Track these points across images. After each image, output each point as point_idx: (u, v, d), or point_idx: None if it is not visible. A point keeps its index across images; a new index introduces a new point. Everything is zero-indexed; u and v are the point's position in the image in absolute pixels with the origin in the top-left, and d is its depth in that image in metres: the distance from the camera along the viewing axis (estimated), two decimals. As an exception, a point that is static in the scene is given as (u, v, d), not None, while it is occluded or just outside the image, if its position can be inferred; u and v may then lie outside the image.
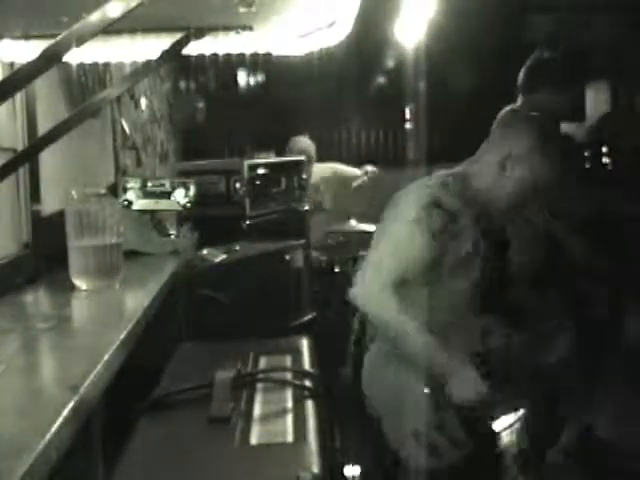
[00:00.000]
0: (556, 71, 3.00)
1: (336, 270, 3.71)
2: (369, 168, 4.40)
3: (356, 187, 4.37)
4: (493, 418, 1.87)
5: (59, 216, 1.56)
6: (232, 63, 4.77)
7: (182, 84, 4.80)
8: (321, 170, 4.44)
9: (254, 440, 1.06)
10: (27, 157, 1.52)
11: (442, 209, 1.81)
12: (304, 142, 4.32)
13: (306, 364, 1.37)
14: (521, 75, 3.07)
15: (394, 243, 1.81)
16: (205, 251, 2.37)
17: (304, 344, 1.50)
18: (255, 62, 4.75)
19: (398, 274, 1.77)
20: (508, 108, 3.10)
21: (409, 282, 1.79)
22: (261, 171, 3.21)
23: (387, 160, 5.42)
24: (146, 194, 2.12)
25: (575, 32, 4.80)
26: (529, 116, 2.09)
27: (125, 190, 2.11)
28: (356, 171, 4.45)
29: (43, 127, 1.67)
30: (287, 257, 2.60)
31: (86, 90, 2.12)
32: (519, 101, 3.08)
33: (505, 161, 1.84)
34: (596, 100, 4.68)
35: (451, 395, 1.72)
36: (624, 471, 2.10)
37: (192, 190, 2.14)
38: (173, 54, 1.43)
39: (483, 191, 1.88)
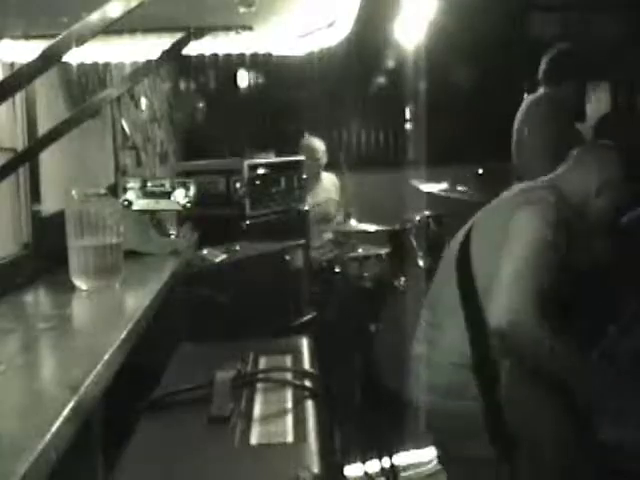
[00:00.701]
0: (581, 63, 3.01)
1: (336, 270, 3.71)
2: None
3: None
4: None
5: (59, 216, 1.56)
6: (232, 63, 4.78)
7: (182, 84, 4.80)
8: (328, 181, 4.46)
9: (254, 440, 1.06)
10: (27, 157, 1.52)
11: (565, 225, 1.79)
12: (318, 144, 4.34)
13: (306, 364, 1.37)
14: (543, 66, 3.08)
15: (532, 264, 1.71)
16: (205, 251, 2.37)
17: (304, 344, 1.50)
18: (255, 62, 4.75)
19: (542, 294, 1.68)
20: (531, 99, 3.11)
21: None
22: (261, 171, 3.22)
23: (387, 160, 5.42)
24: (146, 194, 2.12)
25: (575, 31, 4.81)
26: (616, 145, 2.12)
27: (125, 190, 2.11)
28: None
29: (43, 127, 1.67)
30: (287, 257, 2.59)
31: (86, 90, 2.12)
32: (540, 91, 3.09)
33: (603, 186, 1.91)
34: (596, 100, 4.68)
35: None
36: (624, 471, 2.10)
37: (192, 190, 2.14)
38: (173, 54, 1.43)
39: (576, 211, 1.92)
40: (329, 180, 4.48)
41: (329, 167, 4.51)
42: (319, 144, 4.39)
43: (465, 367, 1.82)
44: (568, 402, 1.78)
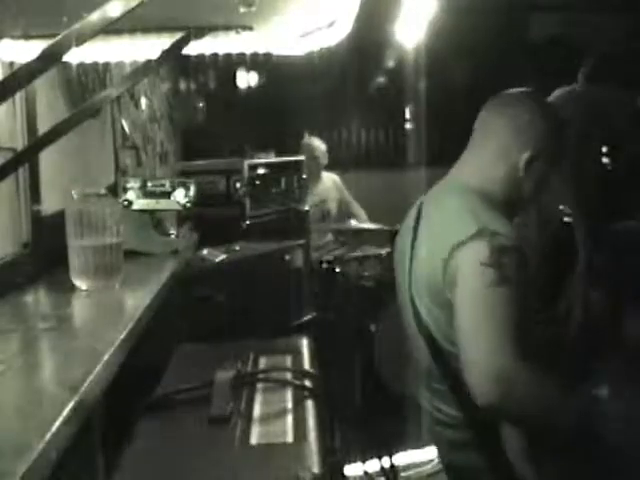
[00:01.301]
0: (622, 67, 3.02)
1: (336, 270, 3.71)
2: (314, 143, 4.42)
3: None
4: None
5: (59, 216, 1.56)
6: (232, 63, 4.78)
7: (182, 84, 4.80)
8: (328, 180, 4.47)
9: (254, 440, 1.06)
10: (27, 157, 1.52)
11: (508, 254, 1.50)
12: (318, 144, 4.36)
13: (306, 364, 1.37)
14: (586, 65, 3.08)
15: (493, 318, 1.47)
16: (205, 251, 2.37)
17: (304, 344, 1.50)
18: (255, 62, 4.75)
19: (516, 337, 1.46)
20: (564, 89, 3.11)
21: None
22: (261, 171, 3.22)
23: (387, 160, 5.42)
24: (146, 194, 2.12)
25: (576, 31, 4.80)
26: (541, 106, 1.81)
27: (125, 190, 2.12)
28: (350, 200, 4.52)
29: (43, 127, 1.67)
30: (287, 257, 2.60)
31: (86, 90, 2.12)
32: (576, 86, 3.09)
33: (527, 161, 1.65)
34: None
35: None
36: (624, 471, 2.10)
37: (192, 190, 2.14)
38: (173, 54, 1.43)
39: (502, 197, 1.68)
40: (329, 179, 4.49)
41: (329, 166, 4.51)
42: (319, 144, 4.41)
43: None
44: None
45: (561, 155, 1.73)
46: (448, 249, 1.53)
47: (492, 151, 1.67)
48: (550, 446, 1.62)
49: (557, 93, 3.06)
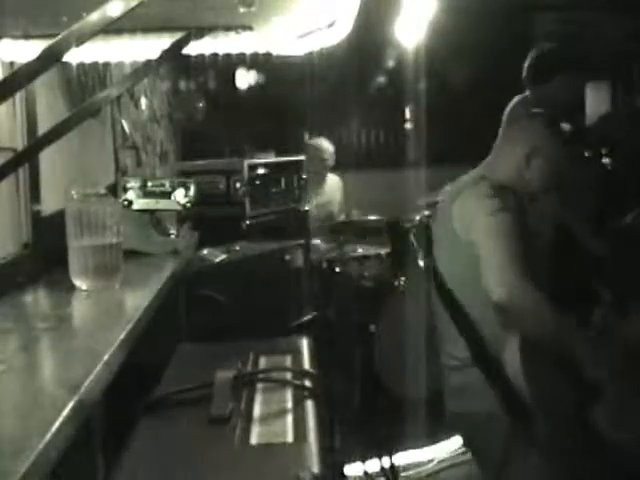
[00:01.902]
0: (564, 62, 3.01)
1: (336, 270, 3.71)
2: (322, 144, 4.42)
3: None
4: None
5: (59, 216, 1.56)
6: (232, 63, 4.77)
7: (182, 84, 4.80)
8: (332, 181, 4.47)
9: (254, 440, 1.06)
10: (27, 157, 1.52)
11: (507, 192, 1.92)
12: (325, 145, 4.34)
13: (306, 364, 1.37)
14: (527, 67, 3.08)
15: (499, 238, 1.85)
16: (205, 251, 2.37)
17: (304, 344, 1.50)
18: (255, 62, 4.75)
19: (523, 263, 1.82)
20: (516, 100, 3.10)
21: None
22: (261, 171, 3.22)
23: (387, 160, 5.42)
24: (146, 194, 2.12)
25: (576, 31, 4.81)
26: (542, 111, 2.23)
27: (125, 190, 2.11)
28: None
29: (43, 127, 1.67)
30: (287, 257, 2.60)
31: (86, 90, 2.12)
32: (527, 93, 3.08)
33: (529, 156, 1.99)
34: (596, 100, 4.67)
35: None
36: (624, 471, 2.10)
37: (192, 190, 2.14)
38: (173, 54, 1.43)
39: (510, 187, 2.01)
40: (333, 181, 4.49)
41: (332, 168, 4.51)
42: (327, 145, 4.39)
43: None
44: (575, 375, 1.86)
45: (561, 155, 2.06)
46: (454, 195, 2.00)
47: (501, 148, 2.12)
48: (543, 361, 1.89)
49: (510, 106, 3.06)
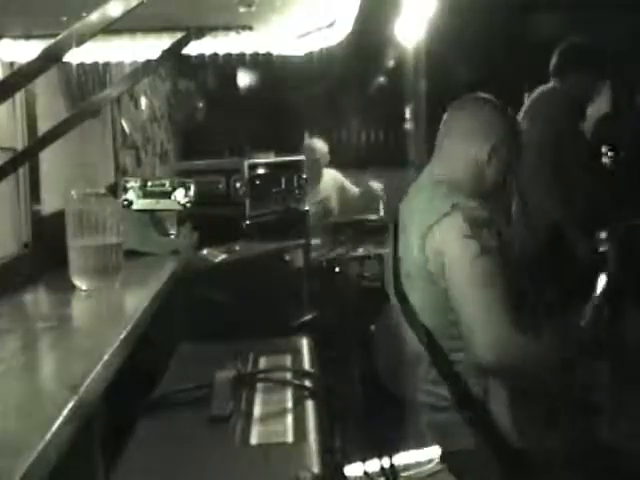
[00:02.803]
0: (590, 55, 3.05)
1: (336, 270, 3.71)
2: (373, 185, 4.34)
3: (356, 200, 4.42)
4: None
5: (59, 216, 1.56)
6: (232, 63, 4.77)
7: (182, 84, 4.80)
8: (328, 178, 4.47)
9: (254, 440, 1.06)
10: (27, 157, 1.52)
11: (484, 225, 1.66)
12: (320, 144, 4.35)
13: (306, 364, 1.37)
14: (554, 58, 3.12)
15: (484, 285, 1.61)
16: (205, 251, 2.37)
17: (304, 344, 1.50)
18: (255, 62, 4.75)
19: (508, 303, 1.62)
20: (541, 88, 3.13)
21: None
22: (261, 171, 3.22)
23: (387, 160, 5.42)
24: (146, 194, 2.12)
25: (575, 31, 4.80)
26: (491, 98, 1.99)
27: (125, 190, 2.12)
28: (354, 189, 4.49)
29: (43, 127, 1.67)
30: (287, 257, 2.60)
31: (86, 90, 2.12)
32: (551, 84, 3.11)
33: (489, 153, 1.81)
34: (596, 100, 4.67)
35: None
36: (624, 471, 2.10)
37: (192, 190, 2.14)
38: (173, 54, 1.43)
39: (468, 185, 1.82)
40: (330, 177, 4.48)
41: (329, 166, 4.51)
42: (322, 145, 4.40)
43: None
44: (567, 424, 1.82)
45: (518, 149, 1.93)
46: (424, 229, 1.69)
47: (457, 147, 1.86)
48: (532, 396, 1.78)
49: (535, 94, 3.08)
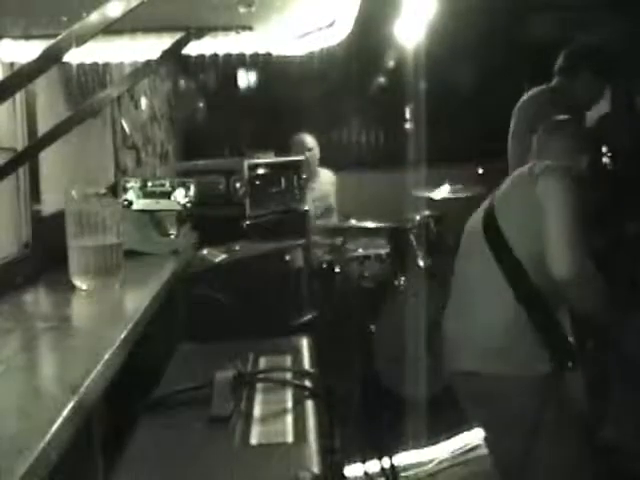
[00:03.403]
0: (600, 57, 3.04)
1: (336, 270, 3.71)
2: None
3: None
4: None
5: (59, 216, 1.56)
6: (232, 63, 4.77)
7: (182, 84, 4.80)
8: (325, 176, 4.47)
9: (254, 440, 1.06)
10: (27, 157, 1.52)
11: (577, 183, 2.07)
12: (309, 139, 4.35)
13: (306, 364, 1.37)
14: (562, 57, 3.10)
15: (571, 220, 1.98)
16: (205, 251, 2.37)
17: (304, 344, 1.50)
18: (255, 62, 4.75)
19: (584, 246, 1.96)
20: (541, 88, 3.12)
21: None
22: (261, 171, 3.22)
23: (387, 160, 5.42)
24: (146, 194, 2.12)
25: (575, 31, 4.80)
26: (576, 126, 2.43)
27: (125, 190, 2.11)
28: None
29: (43, 127, 1.67)
30: (287, 257, 2.59)
31: (86, 90, 2.12)
32: (555, 82, 3.09)
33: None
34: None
35: None
36: (624, 471, 2.10)
37: (192, 190, 2.14)
38: (173, 54, 1.43)
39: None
40: (327, 175, 4.48)
41: (329, 166, 4.52)
42: (309, 139, 4.39)
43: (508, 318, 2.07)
44: None
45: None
46: (534, 178, 2.10)
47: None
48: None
49: (532, 92, 3.06)
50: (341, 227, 3.94)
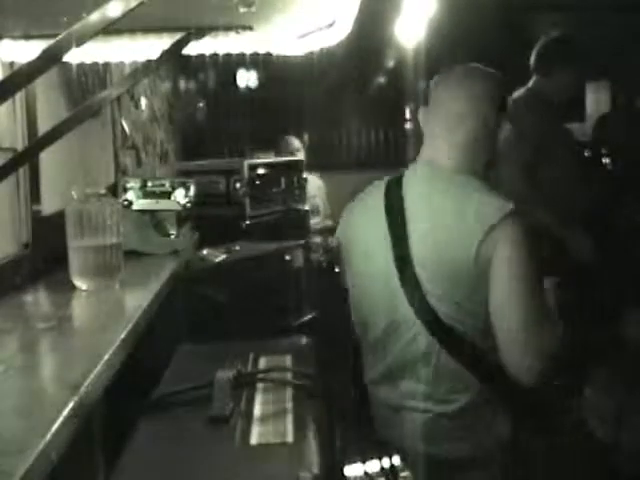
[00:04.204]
0: (573, 51, 2.98)
1: (336, 270, 3.70)
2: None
3: None
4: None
5: (59, 216, 1.56)
6: (232, 63, 4.77)
7: (182, 84, 4.80)
8: (311, 179, 4.49)
9: (254, 440, 1.06)
10: (27, 157, 1.52)
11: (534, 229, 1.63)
12: (295, 142, 4.35)
13: (306, 364, 1.37)
14: (535, 56, 3.05)
15: (531, 297, 1.56)
16: (205, 251, 2.37)
17: (304, 344, 1.50)
18: (255, 62, 4.75)
19: (545, 309, 1.59)
20: (523, 90, 3.08)
21: None
22: (261, 171, 3.22)
23: (387, 160, 5.42)
24: (146, 194, 2.12)
25: (575, 31, 4.80)
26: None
27: (125, 190, 2.11)
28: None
29: (43, 127, 1.67)
30: (287, 257, 2.59)
31: (86, 90, 2.12)
32: (532, 83, 3.05)
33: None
34: (596, 100, 4.68)
35: None
36: (624, 471, 2.10)
37: (192, 190, 2.14)
38: (173, 54, 1.43)
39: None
40: (314, 179, 4.49)
41: (329, 166, 4.52)
42: (296, 141, 4.40)
43: None
44: None
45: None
46: (484, 230, 1.55)
47: (469, 133, 1.67)
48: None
49: (515, 94, 3.04)
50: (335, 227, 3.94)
